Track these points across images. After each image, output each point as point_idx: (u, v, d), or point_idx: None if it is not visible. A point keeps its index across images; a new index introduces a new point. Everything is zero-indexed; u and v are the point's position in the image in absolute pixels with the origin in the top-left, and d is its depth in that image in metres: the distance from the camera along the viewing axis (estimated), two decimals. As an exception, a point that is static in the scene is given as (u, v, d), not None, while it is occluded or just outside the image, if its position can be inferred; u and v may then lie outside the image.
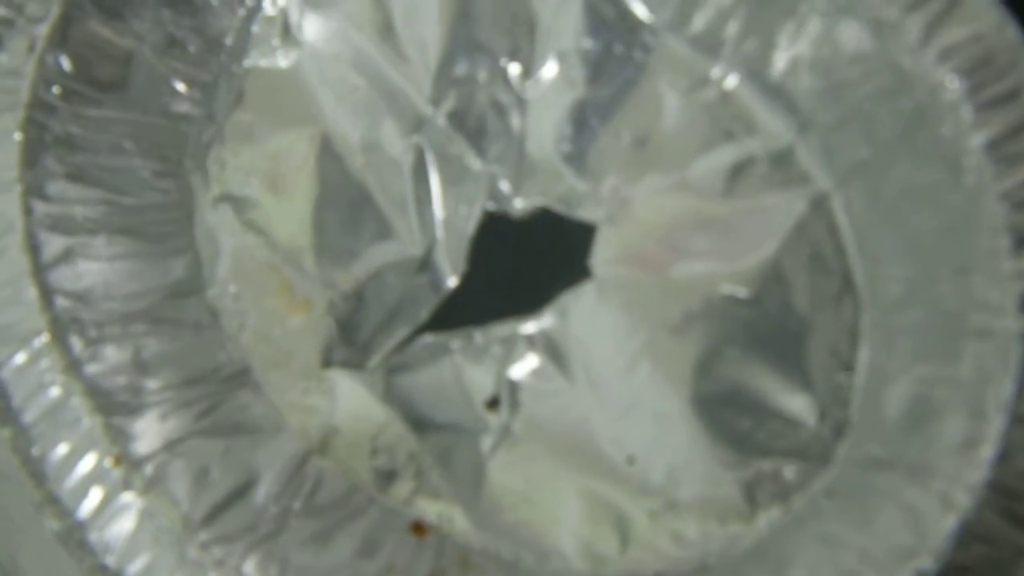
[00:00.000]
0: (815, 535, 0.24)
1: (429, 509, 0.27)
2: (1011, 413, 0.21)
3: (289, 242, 0.29)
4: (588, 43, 0.27)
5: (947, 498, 0.21)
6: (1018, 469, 0.21)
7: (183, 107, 0.29)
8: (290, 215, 0.29)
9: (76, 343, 0.26)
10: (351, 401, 0.28)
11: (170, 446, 0.26)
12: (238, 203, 0.29)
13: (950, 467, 0.22)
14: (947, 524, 0.21)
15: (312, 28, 0.29)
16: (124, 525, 0.25)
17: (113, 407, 0.26)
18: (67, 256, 0.27)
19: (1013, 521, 0.21)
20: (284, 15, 0.29)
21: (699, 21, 0.26)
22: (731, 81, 0.26)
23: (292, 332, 0.28)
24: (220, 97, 0.29)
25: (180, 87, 0.29)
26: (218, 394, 0.27)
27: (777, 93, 0.26)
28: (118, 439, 0.25)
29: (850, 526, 0.23)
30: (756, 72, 0.26)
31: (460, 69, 0.28)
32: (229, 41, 0.29)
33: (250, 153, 0.29)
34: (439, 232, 0.28)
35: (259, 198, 0.29)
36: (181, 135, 0.29)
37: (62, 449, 0.25)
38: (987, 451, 0.22)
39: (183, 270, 0.29)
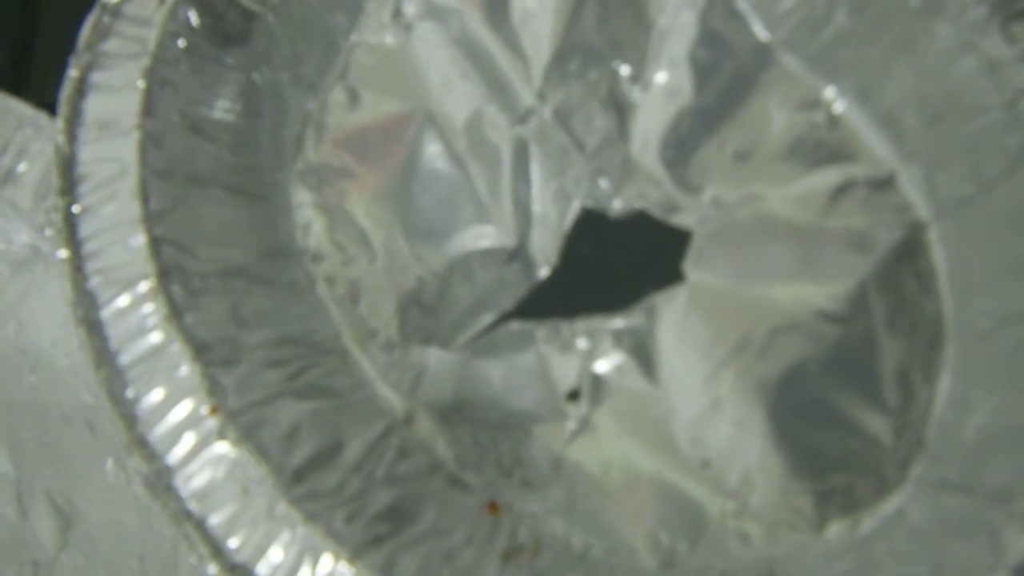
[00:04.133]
0: (885, 550, 0.25)
1: (504, 490, 0.27)
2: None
3: (380, 216, 0.30)
4: (701, 53, 0.29)
5: (1016, 512, 0.22)
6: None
7: (292, 72, 0.30)
8: (385, 191, 0.30)
9: (178, 292, 0.26)
10: (435, 379, 0.29)
11: (264, 402, 0.26)
12: (334, 172, 0.30)
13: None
14: (1016, 541, 0.22)
15: (425, 10, 0.31)
16: (214, 474, 0.25)
17: (211, 358, 0.26)
18: (176, 206, 0.27)
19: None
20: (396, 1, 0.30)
21: (816, 43, 0.27)
22: (840, 105, 0.27)
23: (379, 306, 0.29)
24: (326, 68, 0.31)
25: (294, 53, 0.30)
26: (309, 357, 0.28)
27: (885, 121, 0.27)
28: (215, 390, 0.26)
29: (922, 544, 0.24)
30: (866, 98, 0.27)
31: (572, 66, 0.29)
32: (341, 14, 0.31)
33: (350, 126, 0.30)
34: (535, 223, 0.30)
35: (354, 170, 0.30)
36: (286, 101, 0.30)
37: (157, 394, 0.26)
38: None
39: (283, 232, 0.30)
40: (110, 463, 0.34)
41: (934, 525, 0.24)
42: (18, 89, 0.34)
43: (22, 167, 0.32)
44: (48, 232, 0.32)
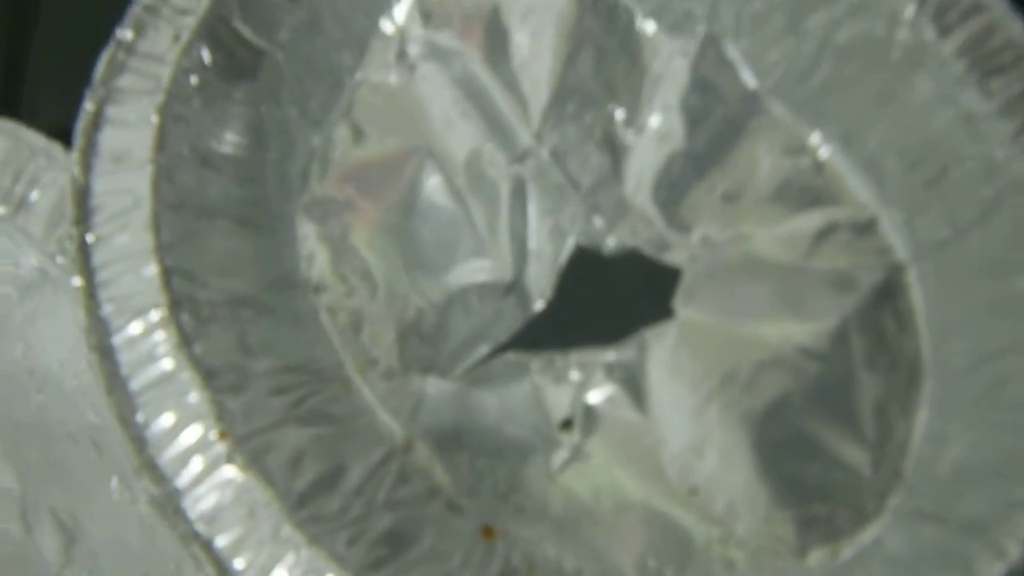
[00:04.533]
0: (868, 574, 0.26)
1: (499, 515, 0.29)
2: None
3: (382, 249, 0.32)
4: (692, 99, 0.31)
5: (998, 549, 0.24)
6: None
7: (299, 108, 0.32)
8: (387, 224, 0.32)
9: (188, 320, 0.28)
10: (433, 407, 0.30)
11: (269, 428, 0.28)
12: (337, 205, 0.32)
13: (1002, 523, 0.25)
14: (996, 570, 0.24)
15: (428, 51, 0.33)
16: (221, 497, 0.27)
17: (219, 384, 0.28)
18: (186, 237, 0.29)
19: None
20: (402, 36, 0.33)
21: (802, 92, 0.30)
22: (825, 151, 0.30)
23: (380, 336, 0.31)
24: (332, 104, 0.33)
25: (300, 89, 0.32)
26: (312, 384, 0.30)
27: (867, 168, 0.30)
28: (223, 416, 0.27)
29: (898, 573, 0.26)
30: (850, 145, 0.30)
31: (568, 109, 0.32)
32: (347, 53, 0.33)
33: (354, 161, 0.33)
34: (530, 258, 0.32)
35: (357, 203, 0.32)
36: (292, 136, 0.32)
37: (167, 419, 0.27)
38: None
39: (288, 263, 0.32)
40: (115, 482, 0.36)
41: (910, 554, 0.26)
42: (10, 110, 0.35)
43: (34, 195, 0.33)
44: (59, 259, 0.33)
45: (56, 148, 0.34)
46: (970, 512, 0.25)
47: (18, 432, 0.37)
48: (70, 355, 0.36)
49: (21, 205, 0.34)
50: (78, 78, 0.36)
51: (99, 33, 0.32)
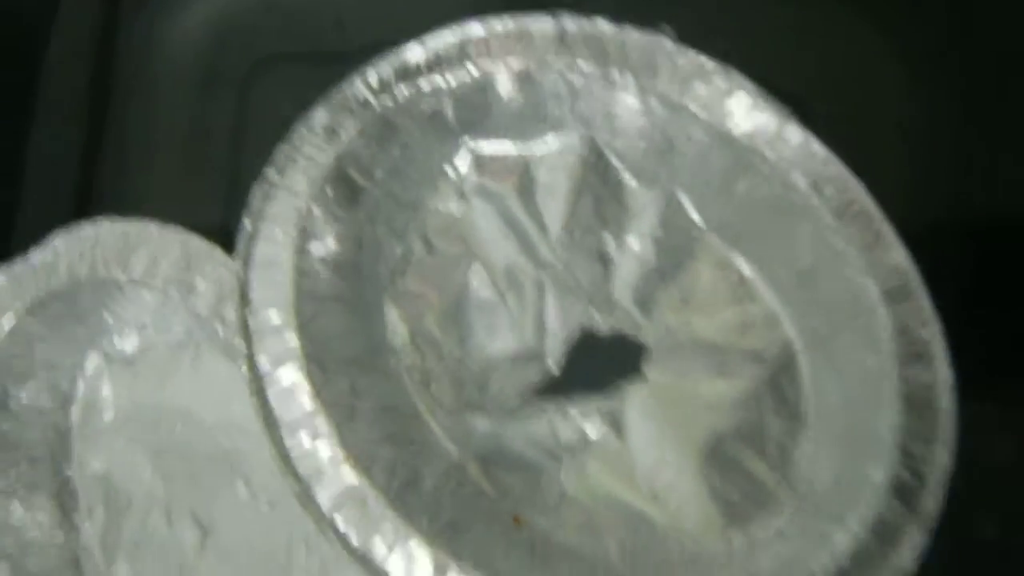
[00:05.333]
0: (766, 549, 0.38)
1: (525, 509, 0.39)
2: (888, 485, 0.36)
3: (445, 327, 0.41)
4: (658, 232, 0.42)
5: (848, 528, 0.34)
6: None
7: (387, 227, 0.42)
8: (448, 311, 0.42)
9: (317, 373, 0.37)
10: (479, 437, 0.40)
11: (373, 446, 0.37)
12: (413, 296, 0.42)
13: (852, 512, 0.35)
14: (847, 538, 0.34)
15: (479, 190, 0.43)
16: (342, 491, 0.35)
17: (338, 416, 0.36)
18: (314, 317, 0.38)
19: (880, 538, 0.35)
20: (461, 179, 0.43)
21: (731, 230, 0.41)
22: (746, 269, 0.41)
23: (443, 387, 0.41)
24: (410, 224, 0.43)
25: (388, 213, 0.42)
26: (398, 420, 0.39)
27: (772, 281, 0.40)
28: (342, 437, 0.36)
29: (787, 544, 0.36)
30: (763, 266, 0.40)
31: (575, 234, 0.42)
32: (422, 189, 0.43)
33: (425, 265, 0.42)
34: (548, 337, 0.41)
35: (428, 296, 0.42)
36: (382, 245, 0.42)
37: (304, 438, 0.36)
38: (873, 504, 0.35)
39: (379, 335, 0.41)
40: (241, 488, 0.43)
41: (797, 534, 0.36)
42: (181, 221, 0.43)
43: (200, 284, 0.40)
44: (220, 328, 0.40)
45: (216, 251, 0.41)
46: (834, 507, 0.35)
47: (165, 453, 0.44)
48: (209, 396, 0.44)
49: (190, 290, 0.41)
50: (231, 199, 0.47)
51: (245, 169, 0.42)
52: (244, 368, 0.38)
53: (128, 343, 0.47)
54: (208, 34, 0.54)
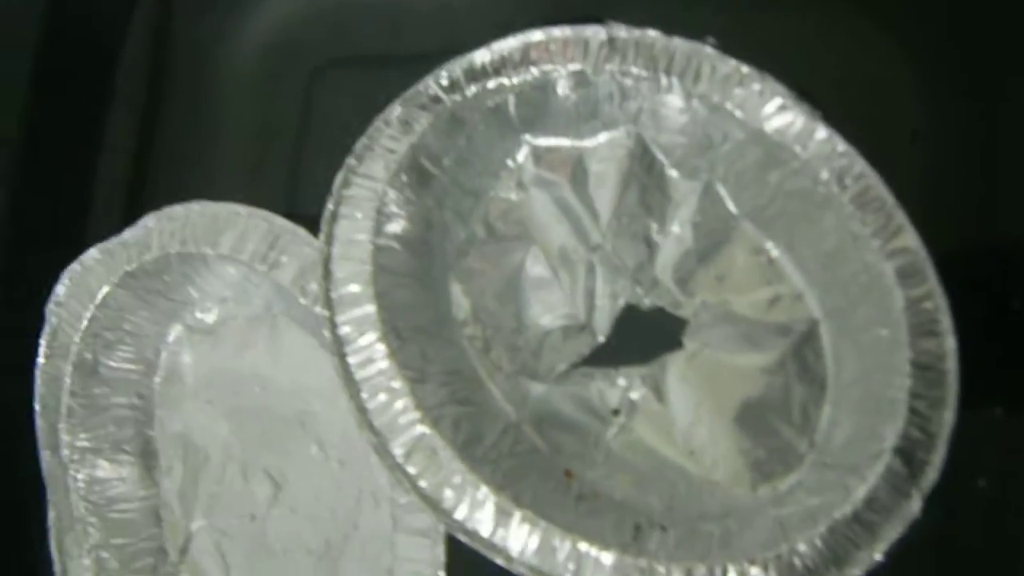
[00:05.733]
0: (790, 501, 0.42)
1: (575, 464, 0.43)
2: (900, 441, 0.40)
3: (503, 301, 0.46)
4: (698, 218, 0.46)
5: (864, 479, 0.38)
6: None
7: (453, 211, 0.46)
8: (507, 287, 0.46)
9: (393, 339, 0.41)
10: (534, 400, 0.44)
11: (441, 405, 0.41)
12: (475, 273, 0.46)
13: (867, 467, 0.38)
14: (864, 487, 0.38)
15: (537, 180, 0.47)
16: (415, 444, 0.39)
17: (411, 377, 0.41)
18: (389, 289, 0.42)
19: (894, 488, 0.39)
20: (520, 170, 0.48)
21: (763, 217, 0.45)
22: (775, 252, 0.45)
23: (501, 354, 0.45)
24: (474, 209, 0.48)
25: (454, 199, 0.46)
26: (462, 382, 0.43)
27: (799, 264, 0.44)
28: (415, 395, 0.40)
29: (809, 496, 0.40)
30: (790, 249, 0.44)
31: (623, 220, 0.46)
32: (485, 178, 0.48)
33: (487, 245, 0.47)
34: (597, 311, 0.46)
35: (488, 273, 0.46)
36: (448, 228, 0.47)
37: (382, 396, 0.39)
38: (886, 458, 0.39)
39: (444, 307, 0.45)
40: (314, 448, 0.47)
41: (817, 486, 0.40)
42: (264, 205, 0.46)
43: (284, 259, 0.45)
44: (302, 300, 0.44)
45: (300, 230, 0.45)
46: (850, 462, 0.38)
47: (243, 415, 0.48)
48: (285, 363, 0.48)
49: (274, 265, 0.44)
50: (310, 184, 0.51)
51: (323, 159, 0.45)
52: (326, 335, 0.42)
53: (209, 315, 0.51)
54: (270, 39, 0.58)
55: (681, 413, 0.44)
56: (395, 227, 0.43)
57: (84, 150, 0.56)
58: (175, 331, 0.52)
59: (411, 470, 0.39)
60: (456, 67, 0.44)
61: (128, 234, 0.49)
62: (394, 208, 0.43)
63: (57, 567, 0.47)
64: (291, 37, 0.56)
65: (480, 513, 0.38)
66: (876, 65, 0.48)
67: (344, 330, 0.41)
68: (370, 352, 0.41)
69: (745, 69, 0.42)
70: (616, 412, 0.44)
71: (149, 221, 0.49)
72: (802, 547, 0.37)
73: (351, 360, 0.41)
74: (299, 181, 0.53)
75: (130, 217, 0.49)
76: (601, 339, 0.45)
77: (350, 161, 0.43)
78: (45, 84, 0.51)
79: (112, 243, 0.49)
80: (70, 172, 0.54)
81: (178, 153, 0.57)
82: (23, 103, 0.51)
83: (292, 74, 0.55)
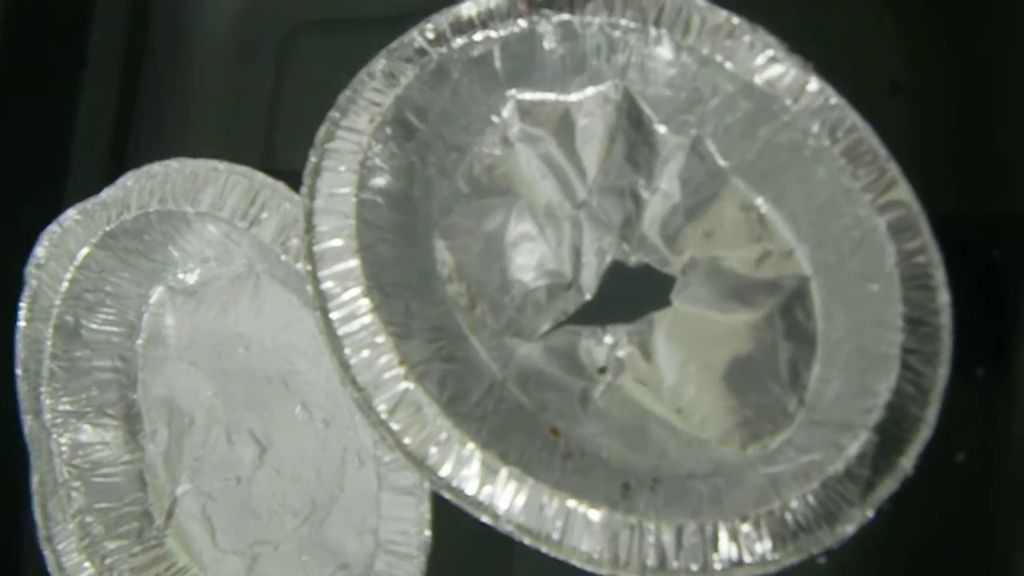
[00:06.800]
0: (780, 459, 0.42)
1: (562, 422, 0.43)
2: (893, 397, 0.39)
3: (488, 259, 0.46)
4: (685, 174, 0.45)
5: (856, 435, 0.38)
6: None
7: (437, 167, 0.45)
8: (491, 244, 0.46)
9: (376, 294, 0.40)
10: (519, 357, 0.45)
11: (426, 361, 0.40)
12: (459, 230, 0.46)
13: (857, 423, 0.38)
14: (854, 448, 0.38)
15: (522, 136, 0.46)
16: (399, 401, 0.39)
17: (396, 332, 0.40)
18: (372, 244, 0.42)
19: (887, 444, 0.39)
20: (505, 125, 0.47)
21: (753, 171, 0.44)
22: (765, 208, 0.45)
23: (486, 311, 0.45)
24: (458, 165, 0.47)
25: (437, 154, 0.46)
26: (447, 339, 0.43)
27: (789, 219, 0.44)
28: (399, 350, 0.40)
29: (799, 454, 0.41)
30: (779, 205, 0.44)
31: (610, 176, 0.46)
32: (469, 133, 0.47)
33: (470, 201, 0.47)
34: (583, 268, 0.45)
35: (473, 230, 0.46)
36: (431, 183, 0.46)
37: (365, 353, 0.39)
38: (871, 423, 0.39)
39: (429, 264, 0.45)
40: (298, 408, 0.47)
41: (807, 444, 0.40)
42: (244, 160, 0.47)
43: (264, 215, 0.45)
44: (283, 256, 0.44)
45: (280, 185, 0.44)
46: (840, 419, 0.38)
47: (227, 376, 0.48)
48: (268, 322, 0.48)
49: (255, 221, 0.44)
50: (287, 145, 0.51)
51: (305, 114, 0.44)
52: (308, 290, 0.41)
53: (191, 275, 0.51)
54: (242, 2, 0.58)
55: (668, 371, 0.44)
56: (379, 181, 0.43)
57: (60, 114, 0.56)
58: (157, 293, 0.52)
59: (395, 427, 0.39)
60: (442, 19, 0.44)
61: (107, 193, 0.49)
62: (378, 162, 0.43)
63: (41, 532, 0.47)
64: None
65: (466, 470, 0.38)
66: (856, 17, 0.48)
67: (327, 285, 0.41)
68: (353, 307, 0.40)
69: (736, 20, 0.42)
70: (603, 370, 0.44)
71: (128, 180, 0.48)
72: (794, 503, 0.37)
73: (334, 315, 0.40)
74: (275, 141, 0.54)
75: (108, 180, 0.49)
76: (587, 297, 0.45)
77: (333, 114, 0.42)
78: (17, 49, 0.52)
79: (91, 203, 0.49)
80: (46, 136, 0.54)
81: (155, 115, 0.57)
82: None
83: (267, 36, 0.55)
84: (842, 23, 0.48)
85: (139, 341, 0.51)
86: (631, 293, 0.45)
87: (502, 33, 0.44)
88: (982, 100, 0.47)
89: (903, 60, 0.48)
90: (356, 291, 0.40)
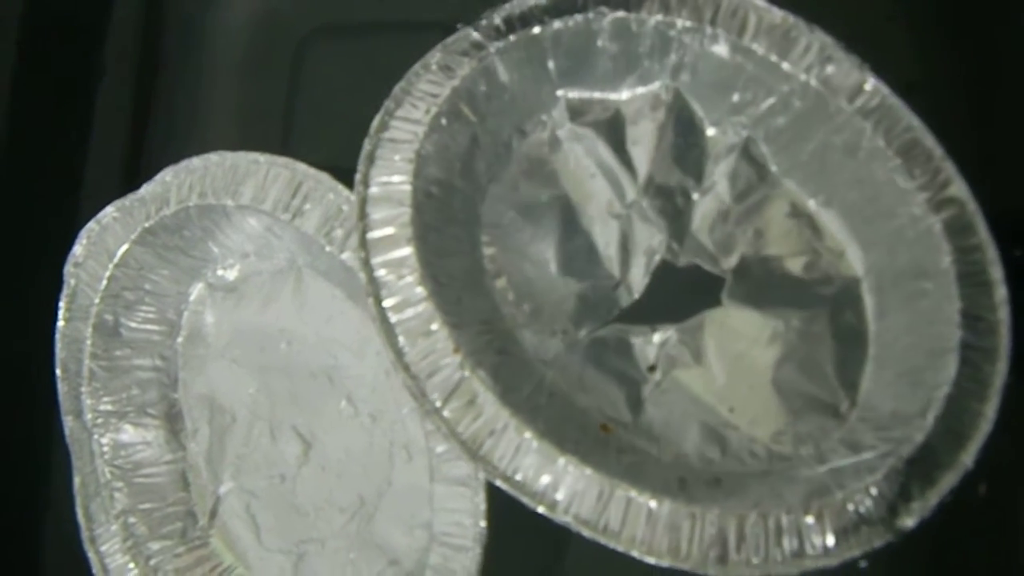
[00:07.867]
0: (837, 455, 0.42)
1: (611, 419, 0.43)
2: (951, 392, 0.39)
3: (538, 256, 0.45)
4: (736, 174, 0.45)
5: (910, 441, 0.38)
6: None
7: (485, 163, 0.45)
8: (539, 242, 0.45)
9: (431, 284, 0.39)
10: (566, 356, 0.43)
11: (479, 351, 0.40)
12: (506, 228, 0.45)
13: (910, 424, 0.38)
14: (919, 435, 0.38)
15: (572, 135, 0.46)
16: (454, 388, 0.38)
17: (450, 321, 0.39)
18: (425, 233, 0.41)
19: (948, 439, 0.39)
20: (555, 124, 0.47)
21: (804, 174, 0.45)
22: (816, 210, 0.45)
23: (535, 308, 0.45)
24: (506, 163, 0.47)
25: (489, 150, 0.45)
26: (497, 332, 0.42)
27: (841, 221, 0.44)
28: (454, 339, 0.39)
29: (849, 454, 0.40)
30: (829, 206, 0.44)
31: (659, 177, 0.46)
32: (520, 131, 0.47)
33: (518, 200, 0.46)
34: (632, 266, 0.45)
35: (522, 227, 0.45)
36: (481, 179, 0.45)
37: (421, 342, 0.38)
38: (931, 418, 0.39)
39: (477, 260, 0.44)
40: (343, 403, 0.46)
41: (860, 442, 0.40)
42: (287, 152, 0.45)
43: (308, 206, 0.43)
44: (327, 247, 0.43)
45: (324, 175, 0.43)
46: (897, 415, 0.38)
47: (269, 373, 0.48)
48: (311, 317, 0.47)
49: (298, 213, 0.43)
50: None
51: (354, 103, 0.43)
52: (361, 277, 0.41)
53: (231, 272, 0.50)
54: (260, 5, 0.58)
55: (719, 371, 0.43)
56: (432, 171, 0.42)
57: (76, 121, 0.56)
58: (197, 290, 0.51)
59: (449, 415, 0.38)
60: (496, 15, 0.44)
61: (145, 189, 0.48)
62: (432, 152, 0.42)
63: (84, 534, 0.46)
64: (279, 4, 0.56)
65: (523, 459, 0.37)
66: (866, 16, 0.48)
67: (380, 272, 0.40)
68: (408, 294, 0.40)
69: (792, 19, 0.42)
70: (652, 368, 0.44)
71: (167, 175, 0.48)
72: (857, 495, 0.37)
73: (387, 303, 0.40)
74: (291, 146, 0.54)
75: (125, 187, 0.49)
76: (636, 296, 0.45)
77: (388, 104, 0.42)
78: (35, 58, 0.52)
79: (129, 199, 0.48)
80: (61, 144, 0.54)
81: (171, 122, 0.58)
82: (10, 75, 0.51)
83: (281, 43, 0.55)
84: (854, 23, 0.47)
85: (179, 339, 0.50)
86: (680, 293, 0.45)
87: (557, 31, 0.44)
88: (995, 99, 0.47)
89: (917, 60, 0.49)
90: (410, 279, 0.40)
